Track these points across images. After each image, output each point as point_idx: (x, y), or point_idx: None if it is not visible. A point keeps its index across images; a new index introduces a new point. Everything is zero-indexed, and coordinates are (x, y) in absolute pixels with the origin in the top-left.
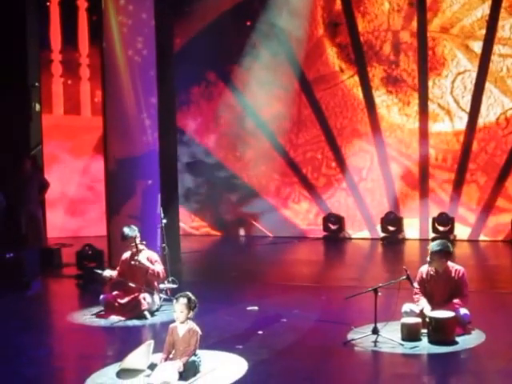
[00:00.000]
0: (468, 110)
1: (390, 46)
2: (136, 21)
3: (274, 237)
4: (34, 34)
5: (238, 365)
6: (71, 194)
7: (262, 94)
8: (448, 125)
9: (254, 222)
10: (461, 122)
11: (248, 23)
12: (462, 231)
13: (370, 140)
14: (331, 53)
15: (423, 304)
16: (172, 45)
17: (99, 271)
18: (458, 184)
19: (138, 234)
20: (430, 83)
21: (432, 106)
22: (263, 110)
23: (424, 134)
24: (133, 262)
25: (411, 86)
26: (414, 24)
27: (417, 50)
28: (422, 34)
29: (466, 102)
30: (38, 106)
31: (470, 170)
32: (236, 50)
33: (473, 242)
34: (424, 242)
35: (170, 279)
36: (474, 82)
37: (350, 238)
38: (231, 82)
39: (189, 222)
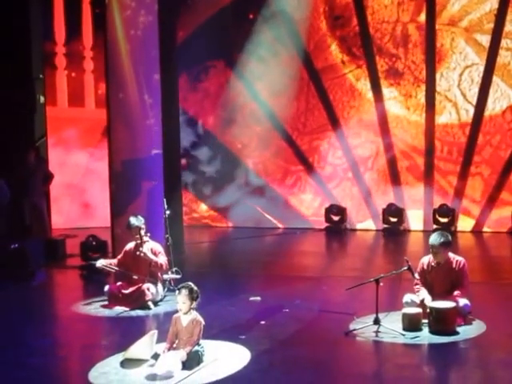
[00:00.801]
0: (474, 102)
1: (399, 38)
2: (139, 3)
3: (277, 228)
4: (38, 27)
5: (240, 355)
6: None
7: (269, 83)
8: (454, 117)
9: (259, 210)
10: (467, 115)
11: (251, 15)
12: (465, 223)
13: (376, 130)
14: (339, 43)
15: (424, 295)
16: (175, 35)
17: (93, 262)
18: (463, 176)
19: (144, 226)
20: (438, 76)
21: (439, 99)
22: (270, 98)
23: (430, 125)
24: (138, 253)
25: (418, 78)
26: (423, 16)
27: (425, 42)
28: (430, 26)
29: (473, 94)
30: (42, 98)
31: (475, 162)
32: (242, 38)
33: (475, 233)
34: (427, 233)
35: (174, 270)
36: (481, 75)
37: (352, 229)
38: (237, 70)
39: (194, 209)
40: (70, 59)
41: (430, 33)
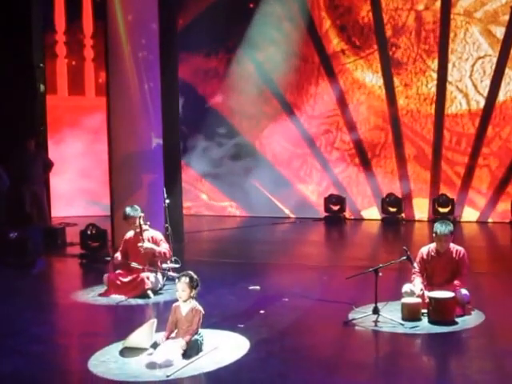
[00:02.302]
0: (485, 94)
1: (412, 26)
2: None
3: (277, 217)
4: (39, 16)
5: (239, 343)
6: None
7: (280, 64)
8: (464, 108)
9: (262, 191)
10: (477, 106)
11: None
12: (470, 214)
13: (385, 117)
14: (350, 29)
15: (416, 284)
16: (176, 24)
17: (109, 258)
18: (471, 167)
19: (142, 214)
20: (450, 65)
21: (450, 89)
22: (281, 80)
23: (440, 115)
24: (142, 250)
25: (430, 67)
26: (438, 4)
27: (438, 31)
28: (444, 15)
29: (484, 86)
30: (42, 87)
31: (483, 154)
32: (252, 16)
33: (476, 223)
34: (431, 223)
35: (173, 259)
36: (493, 67)
37: (351, 219)
38: (247, 50)
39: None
40: (71, 47)
41: (444, 22)
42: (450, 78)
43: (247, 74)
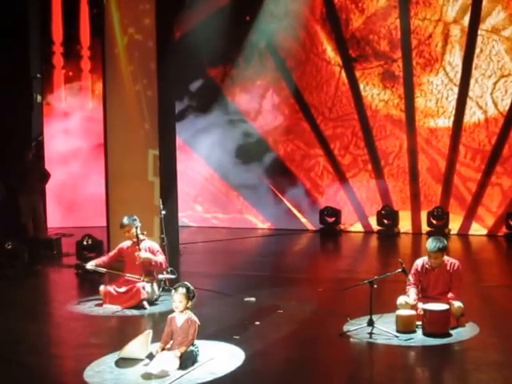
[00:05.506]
0: (505, 113)
1: (439, 37)
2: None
3: (274, 229)
4: (36, 26)
5: (235, 355)
6: None
7: (300, 64)
8: (482, 125)
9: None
10: (496, 125)
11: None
12: (478, 231)
13: (402, 126)
14: (376, 35)
15: (411, 294)
16: (173, 32)
17: (82, 264)
18: (482, 185)
19: (140, 224)
20: (472, 81)
21: (470, 104)
22: (300, 79)
23: (457, 130)
24: (137, 263)
25: (452, 81)
26: (467, 18)
27: (464, 45)
28: (472, 30)
29: (505, 105)
30: (39, 98)
31: (497, 172)
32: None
33: (470, 236)
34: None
35: (169, 270)
36: None
37: (346, 231)
38: (269, 47)
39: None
40: (68, 59)
41: (470, 36)
42: (470, 94)
43: (267, 69)
